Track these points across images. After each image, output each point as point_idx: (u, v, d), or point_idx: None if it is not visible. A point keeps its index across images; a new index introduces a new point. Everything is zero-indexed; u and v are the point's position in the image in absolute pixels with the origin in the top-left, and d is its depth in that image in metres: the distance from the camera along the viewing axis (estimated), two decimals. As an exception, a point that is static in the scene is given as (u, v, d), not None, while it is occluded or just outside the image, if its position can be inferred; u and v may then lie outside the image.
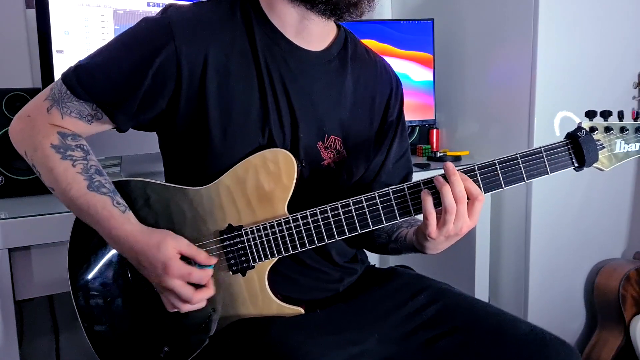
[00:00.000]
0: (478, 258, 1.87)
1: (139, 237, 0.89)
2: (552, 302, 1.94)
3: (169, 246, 0.88)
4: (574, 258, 1.97)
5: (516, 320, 0.96)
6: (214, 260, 0.92)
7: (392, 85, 1.12)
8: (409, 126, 2.03)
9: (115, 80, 0.92)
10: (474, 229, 1.77)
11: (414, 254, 1.03)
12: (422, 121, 1.98)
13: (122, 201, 0.92)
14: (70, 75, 0.93)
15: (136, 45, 0.92)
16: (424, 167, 1.79)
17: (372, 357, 0.91)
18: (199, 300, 0.90)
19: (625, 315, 1.90)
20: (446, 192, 0.87)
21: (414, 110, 1.95)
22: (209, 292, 0.91)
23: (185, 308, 0.90)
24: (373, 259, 1.19)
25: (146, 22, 0.94)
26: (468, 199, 0.88)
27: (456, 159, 1.93)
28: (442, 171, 0.89)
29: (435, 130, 2.06)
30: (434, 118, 2.00)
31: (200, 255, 0.91)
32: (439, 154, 1.95)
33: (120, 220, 0.90)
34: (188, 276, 0.88)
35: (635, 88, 1.96)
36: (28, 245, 1.16)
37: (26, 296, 1.19)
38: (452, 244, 0.93)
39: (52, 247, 1.17)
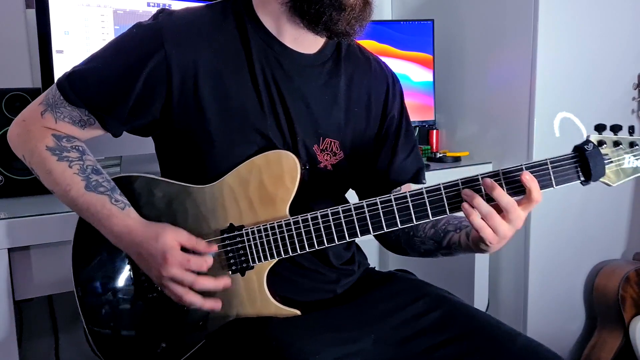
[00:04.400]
0: (478, 259, 1.87)
1: (139, 231, 0.90)
2: (552, 303, 1.94)
3: (168, 237, 0.89)
4: (573, 259, 1.97)
5: (514, 333, 0.96)
6: (214, 249, 0.93)
7: (389, 82, 1.11)
8: (409, 127, 2.03)
9: (107, 86, 0.93)
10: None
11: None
12: (422, 122, 1.98)
13: (121, 198, 0.93)
14: (64, 81, 0.94)
15: (128, 52, 0.93)
16: (423, 167, 1.79)
17: (367, 358, 0.92)
18: (202, 285, 0.90)
19: (624, 316, 1.90)
20: (499, 195, 0.84)
21: (413, 111, 1.95)
22: (213, 282, 0.91)
23: (190, 297, 0.90)
24: (373, 261, 1.18)
25: (138, 28, 0.95)
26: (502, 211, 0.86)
27: (456, 160, 1.93)
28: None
29: (435, 131, 2.06)
30: (433, 119, 2.00)
31: (200, 244, 0.92)
32: (438, 155, 1.95)
33: (121, 216, 0.91)
34: (187, 263, 0.89)
35: (635, 89, 1.96)
36: (27, 245, 1.16)
37: (26, 296, 1.19)
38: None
39: (51, 247, 1.17)
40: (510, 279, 1.93)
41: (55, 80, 0.95)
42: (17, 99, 1.35)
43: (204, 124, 0.94)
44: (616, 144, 0.89)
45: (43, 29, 1.33)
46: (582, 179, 0.88)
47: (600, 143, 0.89)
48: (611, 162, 0.89)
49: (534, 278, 1.88)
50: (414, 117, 1.95)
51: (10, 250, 1.13)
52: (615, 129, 0.89)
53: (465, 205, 0.87)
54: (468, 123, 2.04)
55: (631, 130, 0.91)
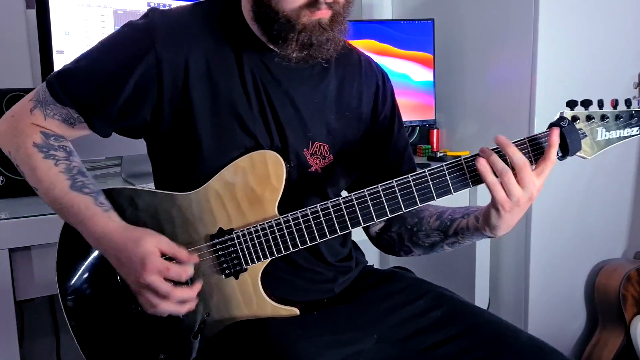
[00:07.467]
0: (478, 258, 1.87)
1: (119, 234, 0.88)
2: (553, 302, 1.94)
3: (148, 242, 0.87)
4: (574, 258, 1.97)
5: (515, 330, 0.96)
6: (195, 259, 0.91)
7: (378, 81, 1.09)
8: (409, 126, 2.02)
9: (96, 86, 0.92)
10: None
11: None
12: (422, 121, 1.98)
13: (105, 201, 0.92)
14: (53, 79, 0.94)
15: (118, 51, 0.93)
16: (424, 167, 1.79)
17: (369, 358, 0.91)
18: (178, 297, 0.87)
19: (625, 315, 1.90)
20: (512, 152, 0.87)
21: (414, 110, 1.95)
22: (189, 291, 0.89)
23: (164, 306, 0.87)
24: (372, 259, 1.18)
25: (129, 27, 0.94)
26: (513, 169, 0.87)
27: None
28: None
29: (435, 131, 2.06)
30: (434, 118, 2.00)
31: (181, 252, 0.89)
32: (439, 154, 1.95)
33: (103, 218, 0.89)
34: (166, 271, 0.86)
35: (636, 88, 1.96)
36: (28, 246, 1.16)
37: (27, 296, 1.19)
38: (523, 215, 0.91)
39: (52, 247, 1.16)
40: (511, 278, 1.93)
41: (46, 79, 0.95)
42: (17, 99, 1.33)
43: (193, 125, 0.93)
44: (589, 118, 0.92)
45: (43, 29, 1.33)
46: (560, 154, 0.90)
47: (574, 118, 0.92)
48: (585, 136, 0.92)
49: (535, 277, 1.88)
50: (415, 116, 1.95)
51: (11, 250, 1.14)
52: (586, 104, 0.92)
53: (481, 161, 0.88)
54: (468, 122, 2.04)
55: (600, 104, 0.93)
